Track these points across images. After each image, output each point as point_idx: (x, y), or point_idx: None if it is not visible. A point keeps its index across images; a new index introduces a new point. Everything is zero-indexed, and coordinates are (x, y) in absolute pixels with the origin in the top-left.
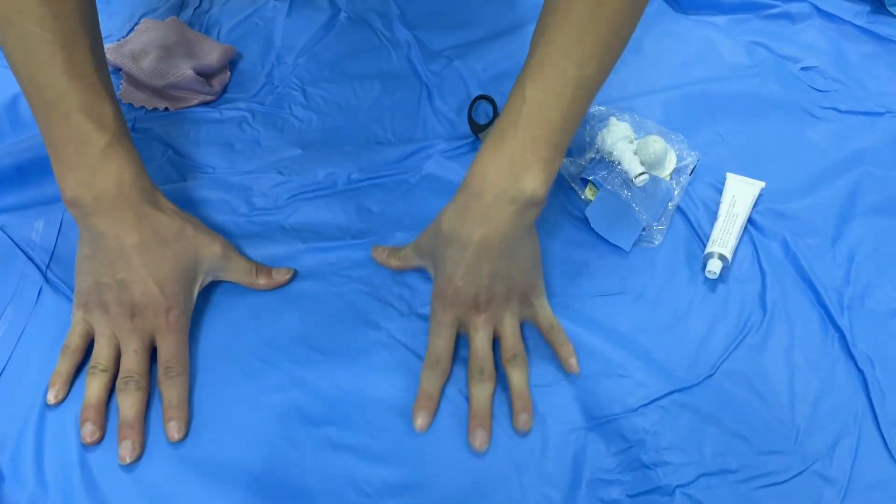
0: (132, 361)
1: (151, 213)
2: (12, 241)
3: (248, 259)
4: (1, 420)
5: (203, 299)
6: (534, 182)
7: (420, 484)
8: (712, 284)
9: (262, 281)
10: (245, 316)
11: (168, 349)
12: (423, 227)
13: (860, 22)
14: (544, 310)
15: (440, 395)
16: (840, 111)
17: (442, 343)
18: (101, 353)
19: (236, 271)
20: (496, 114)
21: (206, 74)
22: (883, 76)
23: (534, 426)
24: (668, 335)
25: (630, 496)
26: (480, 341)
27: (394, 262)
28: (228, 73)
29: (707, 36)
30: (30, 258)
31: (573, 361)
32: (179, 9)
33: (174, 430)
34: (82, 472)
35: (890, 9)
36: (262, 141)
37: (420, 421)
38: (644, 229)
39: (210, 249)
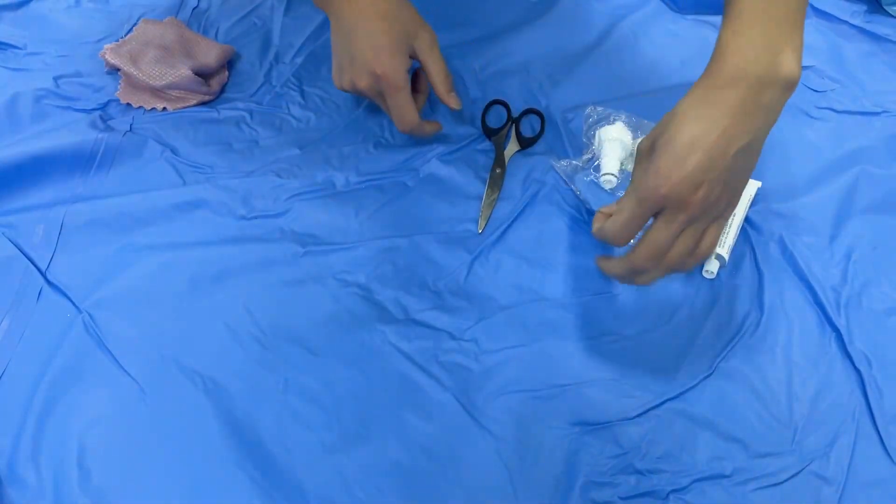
0: None
1: None
2: (14, 244)
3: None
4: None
5: (199, 301)
6: (792, 62)
7: (414, 487)
8: (710, 284)
9: (444, 88)
10: (241, 317)
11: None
12: (422, 230)
13: (857, 21)
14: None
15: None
16: (837, 111)
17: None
18: None
19: (434, 65)
20: (510, 118)
21: (204, 74)
22: (880, 75)
23: (528, 430)
24: (665, 335)
25: (623, 499)
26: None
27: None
28: (226, 73)
29: (705, 36)
30: (31, 261)
31: None
32: (178, 9)
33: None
34: (80, 473)
35: (886, 8)
36: (260, 141)
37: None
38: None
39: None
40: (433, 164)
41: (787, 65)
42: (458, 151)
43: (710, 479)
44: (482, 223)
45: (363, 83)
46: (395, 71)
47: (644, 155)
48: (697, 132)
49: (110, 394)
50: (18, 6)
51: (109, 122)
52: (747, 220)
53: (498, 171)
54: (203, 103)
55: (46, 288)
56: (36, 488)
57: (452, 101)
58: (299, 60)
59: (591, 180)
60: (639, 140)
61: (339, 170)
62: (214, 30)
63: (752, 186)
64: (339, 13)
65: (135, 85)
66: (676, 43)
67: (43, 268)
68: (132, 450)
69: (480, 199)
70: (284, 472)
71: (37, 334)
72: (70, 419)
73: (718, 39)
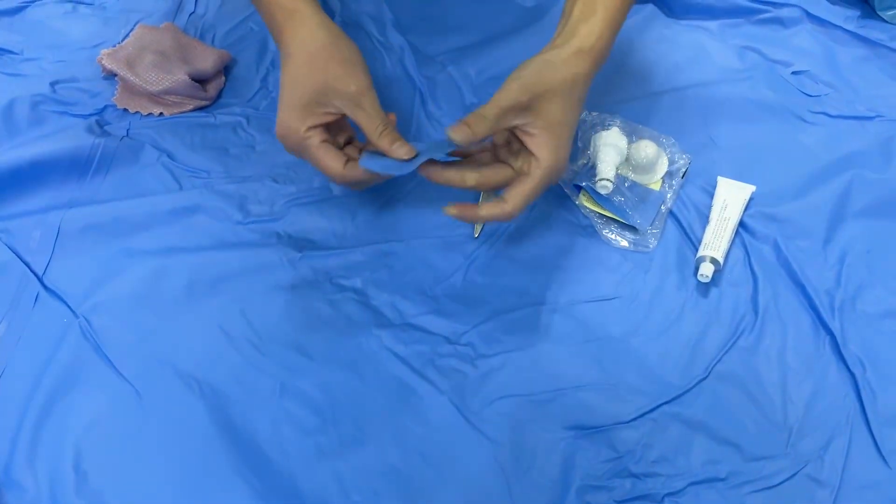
0: None
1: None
2: (10, 249)
3: (382, 114)
4: None
5: (196, 306)
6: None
7: (410, 492)
8: (704, 288)
9: (382, 144)
10: (237, 322)
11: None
12: (417, 236)
13: (850, 26)
14: None
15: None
16: (831, 115)
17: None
18: None
19: (362, 120)
20: None
21: (201, 80)
22: (873, 80)
23: (524, 434)
24: (661, 339)
25: (618, 502)
26: None
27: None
28: (223, 79)
29: (699, 40)
30: (27, 266)
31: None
32: (174, 14)
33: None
34: (77, 477)
35: (880, 13)
36: (256, 145)
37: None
38: (638, 233)
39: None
40: None
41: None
42: (453, 156)
43: (704, 483)
44: (478, 228)
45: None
46: (291, 131)
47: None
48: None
49: (107, 398)
50: (15, 11)
51: (106, 128)
52: (742, 224)
53: None
54: (200, 108)
55: (43, 293)
56: (32, 493)
57: (400, 152)
58: None
59: (587, 185)
60: (635, 144)
61: None
62: (211, 35)
63: (747, 190)
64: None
65: (132, 90)
66: (670, 47)
67: (39, 273)
68: (128, 454)
69: (476, 203)
70: (281, 476)
71: (33, 339)
72: (67, 423)
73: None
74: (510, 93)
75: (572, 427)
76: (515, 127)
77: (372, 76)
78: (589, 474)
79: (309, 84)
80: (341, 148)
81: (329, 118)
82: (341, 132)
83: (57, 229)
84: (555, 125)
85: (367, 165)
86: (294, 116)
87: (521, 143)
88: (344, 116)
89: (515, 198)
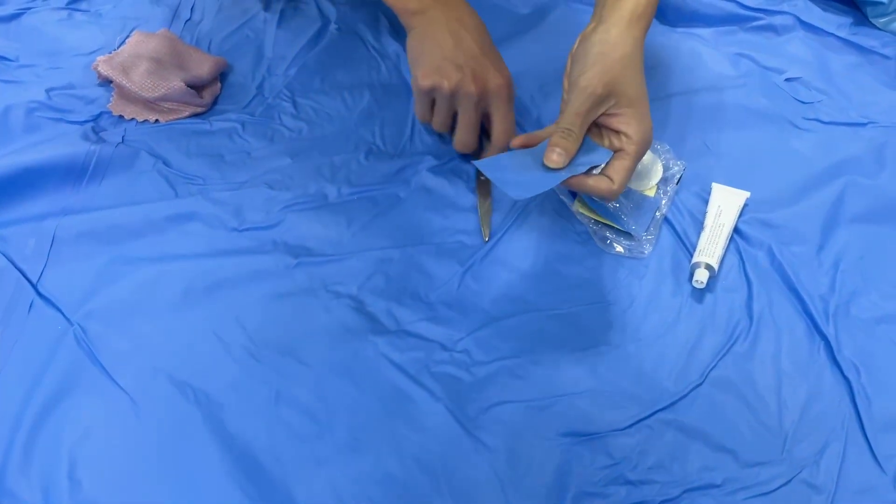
0: None
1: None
2: (5, 256)
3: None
4: None
5: (191, 313)
6: None
7: (406, 499)
8: (699, 294)
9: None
10: (233, 329)
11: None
12: (414, 241)
13: (843, 33)
14: None
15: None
16: (824, 122)
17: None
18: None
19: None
20: (486, 134)
21: (196, 86)
22: (866, 87)
23: (519, 441)
24: (656, 345)
25: None
26: None
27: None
28: (219, 85)
29: (693, 48)
30: (22, 273)
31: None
32: (170, 21)
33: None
34: (71, 485)
35: (872, 20)
36: (252, 152)
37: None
38: (633, 239)
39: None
40: (424, 175)
41: None
42: (449, 163)
43: (700, 490)
44: (486, 231)
45: (468, 81)
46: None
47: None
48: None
49: (102, 406)
50: (11, 18)
51: (101, 134)
52: (736, 230)
53: (483, 178)
54: (195, 115)
55: (38, 300)
56: (27, 501)
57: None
58: (292, 72)
59: None
60: None
61: (331, 181)
62: (207, 42)
63: (741, 196)
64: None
65: (127, 97)
66: (666, 55)
67: (34, 280)
68: (123, 462)
69: (471, 210)
70: (276, 484)
71: (28, 347)
72: (61, 431)
73: None
74: (583, 94)
75: (568, 434)
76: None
77: (368, 82)
78: (585, 481)
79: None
80: None
81: None
82: None
83: (52, 236)
84: (634, 100)
85: (486, 168)
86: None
87: (606, 126)
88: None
89: (620, 174)
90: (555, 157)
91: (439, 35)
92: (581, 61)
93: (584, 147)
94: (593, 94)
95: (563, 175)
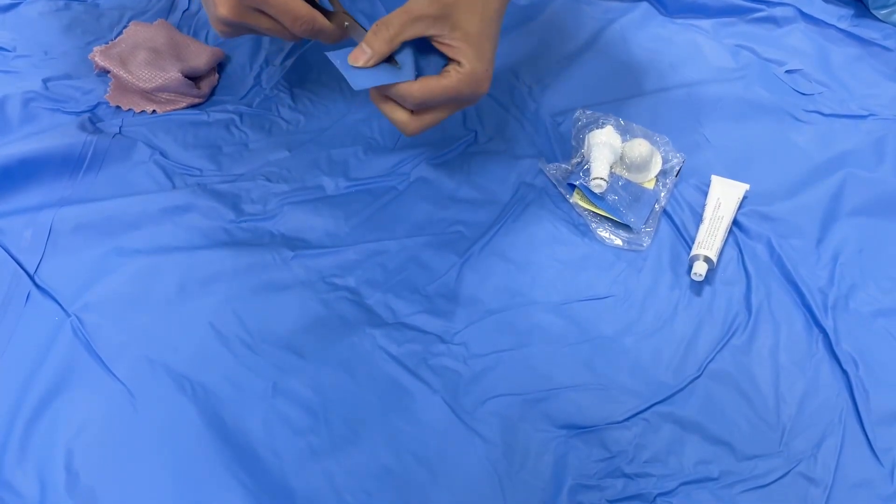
0: None
1: None
2: (2, 247)
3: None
4: None
5: (188, 305)
6: None
7: (402, 492)
8: (698, 287)
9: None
10: (230, 321)
11: None
12: (412, 233)
13: (844, 25)
14: None
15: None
16: (824, 114)
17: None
18: None
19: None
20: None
21: (194, 77)
22: (866, 79)
23: (516, 433)
24: (654, 338)
25: (610, 502)
26: None
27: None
28: (216, 76)
29: (693, 39)
30: (19, 264)
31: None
32: (168, 11)
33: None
34: (68, 477)
35: (874, 12)
36: (249, 143)
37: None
38: (632, 231)
39: None
40: (422, 167)
41: None
42: (447, 155)
43: (697, 483)
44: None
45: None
46: None
47: None
48: None
49: (98, 398)
50: (8, 8)
51: (98, 125)
52: (735, 222)
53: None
54: (193, 106)
55: (35, 291)
56: (23, 492)
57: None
58: (289, 63)
59: (581, 184)
60: (629, 142)
61: (329, 174)
62: (205, 32)
63: (741, 189)
64: None
65: (124, 87)
66: (665, 46)
67: (31, 271)
68: (120, 454)
69: (470, 202)
70: (273, 476)
71: (25, 338)
72: (58, 423)
73: None
74: (419, 2)
75: (565, 427)
76: (431, 37)
77: None
78: (581, 474)
79: None
80: None
81: None
82: None
83: (49, 227)
84: (471, 37)
85: (334, 58)
86: None
87: (447, 54)
88: None
89: (427, 89)
90: (356, 54)
91: None
92: None
93: (425, 58)
94: (425, 6)
95: (404, 77)
